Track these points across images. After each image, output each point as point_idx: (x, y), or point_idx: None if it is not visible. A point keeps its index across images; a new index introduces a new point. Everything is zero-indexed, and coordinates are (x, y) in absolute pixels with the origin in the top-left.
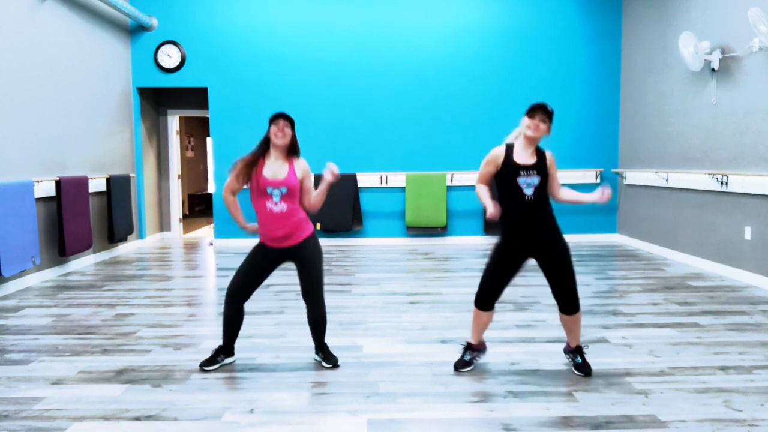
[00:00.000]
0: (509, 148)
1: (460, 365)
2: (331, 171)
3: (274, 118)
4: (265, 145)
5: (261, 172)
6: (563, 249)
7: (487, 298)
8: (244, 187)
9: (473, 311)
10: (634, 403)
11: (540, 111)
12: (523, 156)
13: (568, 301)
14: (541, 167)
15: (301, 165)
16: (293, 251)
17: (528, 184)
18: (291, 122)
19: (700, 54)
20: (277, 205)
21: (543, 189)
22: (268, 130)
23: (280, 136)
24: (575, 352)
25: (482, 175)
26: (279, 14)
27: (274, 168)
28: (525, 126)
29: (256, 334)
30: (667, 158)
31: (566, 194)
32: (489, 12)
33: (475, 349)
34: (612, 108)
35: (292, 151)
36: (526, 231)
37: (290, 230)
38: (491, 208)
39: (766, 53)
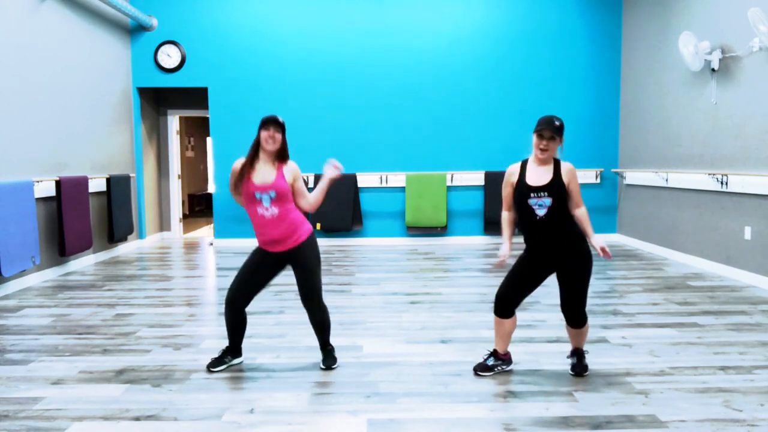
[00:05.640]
0: (524, 165)
1: (480, 368)
2: (333, 166)
3: (265, 123)
4: (255, 150)
5: (250, 178)
6: (580, 267)
7: (504, 305)
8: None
9: (494, 319)
10: (634, 403)
11: (547, 129)
12: (536, 174)
13: (574, 316)
14: (555, 187)
15: (290, 167)
16: (291, 254)
17: (539, 205)
18: (282, 127)
19: (700, 54)
20: (268, 210)
21: (557, 208)
22: (258, 134)
23: (270, 143)
24: (573, 353)
25: (504, 198)
26: (279, 14)
27: (262, 173)
28: (534, 145)
29: (256, 334)
30: (667, 158)
31: (578, 216)
32: (489, 12)
33: (499, 357)
34: (612, 108)
35: (281, 156)
36: (542, 248)
37: (284, 234)
38: (502, 252)
39: (766, 53)
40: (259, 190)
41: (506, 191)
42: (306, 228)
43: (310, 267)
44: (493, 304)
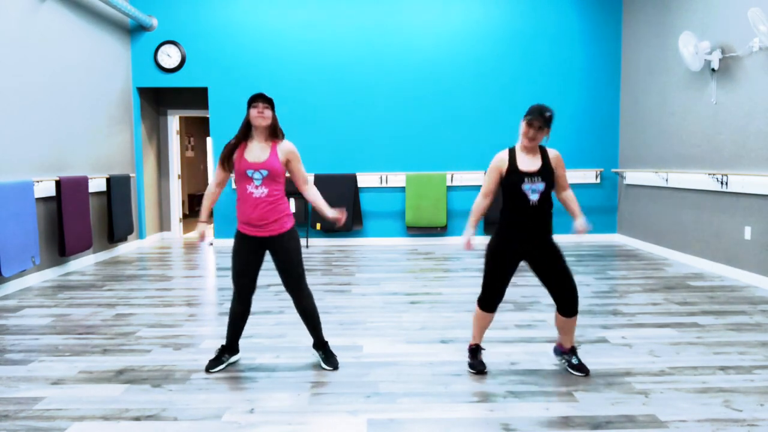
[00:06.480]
0: (512, 153)
1: (482, 366)
2: (339, 217)
3: (253, 100)
4: (246, 129)
5: (242, 155)
6: (556, 246)
7: (491, 300)
8: (231, 175)
9: (476, 313)
10: (634, 403)
11: (538, 118)
12: (527, 160)
13: (569, 301)
14: (546, 172)
15: (284, 147)
16: (270, 241)
17: (533, 190)
18: (270, 103)
19: (700, 54)
20: (257, 189)
21: (548, 193)
22: (248, 114)
23: (260, 119)
24: (571, 352)
25: (487, 185)
26: (279, 14)
27: (255, 151)
28: (522, 132)
29: (256, 334)
30: (667, 158)
31: (566, 198)
32: (489, 12)
33: (479, 348)
34: (612, 108)
35: (273, 133)
36: (526, 233)
37: (267, 216)
38: (465, 238)
39: (766, 53)
40: (252, 167)
41: (492, 177)
42: (290, 220)
43: (293, 252)
44: (477, 299)
